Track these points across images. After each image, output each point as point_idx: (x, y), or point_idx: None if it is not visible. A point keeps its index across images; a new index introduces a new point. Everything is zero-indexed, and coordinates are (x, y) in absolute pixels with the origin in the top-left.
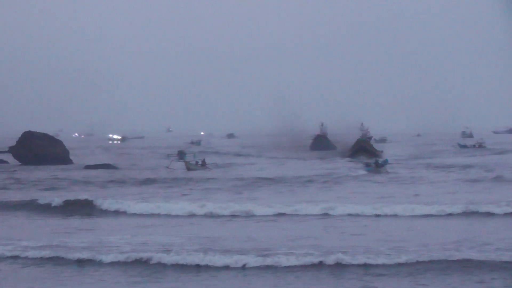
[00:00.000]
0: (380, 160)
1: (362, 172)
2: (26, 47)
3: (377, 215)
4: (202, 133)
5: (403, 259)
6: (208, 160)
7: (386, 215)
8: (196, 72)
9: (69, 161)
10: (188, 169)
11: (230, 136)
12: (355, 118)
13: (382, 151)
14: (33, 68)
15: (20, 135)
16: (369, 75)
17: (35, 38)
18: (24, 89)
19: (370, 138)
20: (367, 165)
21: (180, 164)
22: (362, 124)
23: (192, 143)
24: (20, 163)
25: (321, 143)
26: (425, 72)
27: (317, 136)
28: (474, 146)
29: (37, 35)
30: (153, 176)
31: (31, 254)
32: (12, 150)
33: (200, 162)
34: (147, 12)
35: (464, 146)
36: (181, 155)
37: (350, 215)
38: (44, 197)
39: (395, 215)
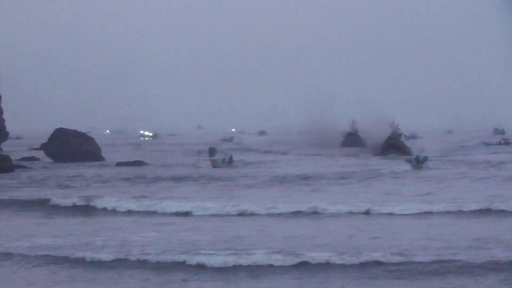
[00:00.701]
0: (421, 156)
1: (405, 168)
2: (56, 43)
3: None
4: (233, 129)
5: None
6: (236, 157)
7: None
8: (227, 68)
9: (101, 158)
10: (214, 166)
11: (262, 133)
12: (386, 114)
13: (410, 148)
14: (65, 65)
15: (52, 132)
16: (400, 70)
17: (66, 35)
18: (56, 86)
19: (400, 135)
20: (408, 161)
21: (206, 162)
22: (392, 121)
23: (224, 140)
24: (52, 160)
25: (353, 141)
26: (458, 67)
27: (349, 133)
28: (499, 143)
29: (68, 32)
30: (181, 174)
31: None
32: (44, 147)
33: (226, 160)
34: (178, 9)
35: (490, 144)
36: (211, 152)
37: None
38: (67, 195)
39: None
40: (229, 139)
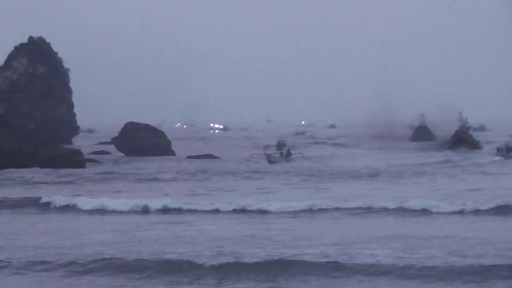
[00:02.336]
0: (511, 144)
1: (496, 158)
2: (125, 36)
3: None
4: (303, 122)
5: None
6: (308, 151)
7: None
8: (296, 61)
9: (171, 152)
10: (270, 161)
11: (332, 126)
12: (454, 107)
13: (480, 141)
14: (136, 58)
15: (123, 126)
16: (469, 64)
17: (135, 27)
18: (128, 79)
19: (468, 128)
20: (498, 150)
21: (262, 157)
22: (460, 114)
23: (297, 134)
24: (122, 154)
25: (423, 134)
26: None
27: (419, 127)
28: None
29: (136, 24)
30: (233, 169)
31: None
32: (114, 141)
33: (284, 153)
34: (249, 2)
35: None
36: (279, 146)
37: None
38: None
39: None
40: (301, 133)
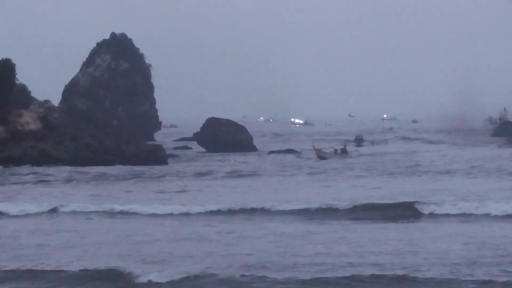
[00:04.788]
0: None
1: None
2: (203, 31)
3: None
4: (385, 116)
5: None
6: (389, 147)
7: None
8: (377, 54)
9: (253, 148)
10: (321, 157)
11: (414, 121)
12: None
13: None
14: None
15: (205, 122)
16: None
17: (212, 22)
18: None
19: None
20: None
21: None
22: None
23: (383, 129)
24: (204, 150)
25: (506, 129)
26: None
27: (504, 122)
28: None
29: (214, 19)
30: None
31: None
32: (196, 136)
33: (339, 150)
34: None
35: None
36: (358, 141)
37: None
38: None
39: None
40: (387, 129)
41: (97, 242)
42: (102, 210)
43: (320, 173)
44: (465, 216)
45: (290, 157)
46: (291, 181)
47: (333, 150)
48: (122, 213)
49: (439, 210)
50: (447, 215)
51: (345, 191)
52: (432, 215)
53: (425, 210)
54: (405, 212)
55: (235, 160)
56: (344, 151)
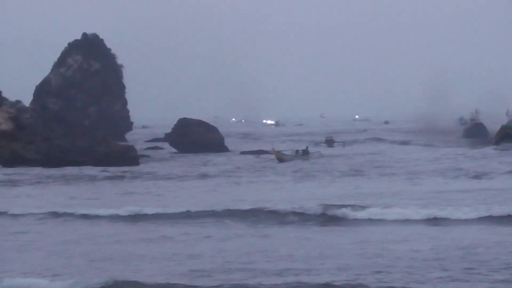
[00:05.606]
0: None
1: None
2: (177, 32)
3: None
4: (356, 116)
5: None
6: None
7: None
8: (348, 55)
9: (225, 148)
10: (280, 159)
11: (386, 122)
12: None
13: None
14: (188, 53)
15: (176, 122)
16: None
17: (188, 23)
18: (183, 75)
19: None
20: None
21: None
22: (508, 110)
23: (356, 130)
24: (176, 151)
25: (478, 131)
26: None
27: (475, 124)
28: None
29: (188, 19)
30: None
31: None
32: (168, 137)
33: (300, 152)
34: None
35: None
36: (329, 142)
37: None
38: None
39: None
40: (364, 131)
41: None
42: (46, 212)
43: (266, 176)
44: (369, 221)
45: (251, 158)
46: (229, 184)
47: (294, 152)
48: (65, 215)
49: (349, 214)
50: (355, 220)
51: (258, 194)
52: (337, 218)
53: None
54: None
55: (200, 160)
56: (305, 153)
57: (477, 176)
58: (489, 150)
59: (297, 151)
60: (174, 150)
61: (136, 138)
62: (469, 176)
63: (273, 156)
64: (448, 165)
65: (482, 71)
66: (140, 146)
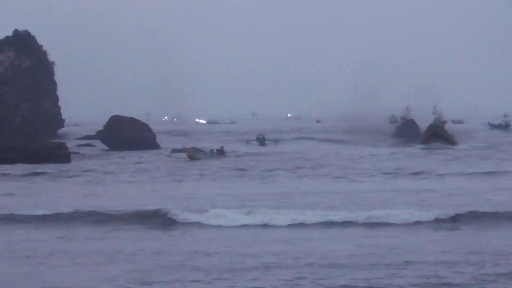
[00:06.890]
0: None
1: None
2: (112, 28)
3: None
4: (289, 115)
5: None
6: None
7: None
8: (279, 54)
9: (156, 146)
10: (191, 157)
11: (318, 121)
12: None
13: (454, 135)
14: (124, 51)
15: (108, 119)
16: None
17: (123, 19)
18: (115, 73)
19: (444, 122)
20: None
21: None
22: (434, 108)
23: (290, 129)
24: (107, 148)
25: (409, 130)
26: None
27: (406, 121)
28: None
29: (124, 17)
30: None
31: None
32: (99, 134)
33: (215, 151)
34: None
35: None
36: (260, 140)
37: None
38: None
39: None
40: (299, 129)
41: None
42: None
43: (164, 176)
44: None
45: (163, 156)
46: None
47: (209, 151)
48: None
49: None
50: (199, 223)
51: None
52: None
53: (177, 217)
54: (156, 220)
55: (129, 158)
56: (220, 152)
57: (356, 180)
58: (415, 149)
59: (211, 150)
60: (106, 147)
61: (68, 135)
62: (360, 176)
63: (184, 155)
64: (358, 165)
65: (413, 66)
66: (72, 144)
